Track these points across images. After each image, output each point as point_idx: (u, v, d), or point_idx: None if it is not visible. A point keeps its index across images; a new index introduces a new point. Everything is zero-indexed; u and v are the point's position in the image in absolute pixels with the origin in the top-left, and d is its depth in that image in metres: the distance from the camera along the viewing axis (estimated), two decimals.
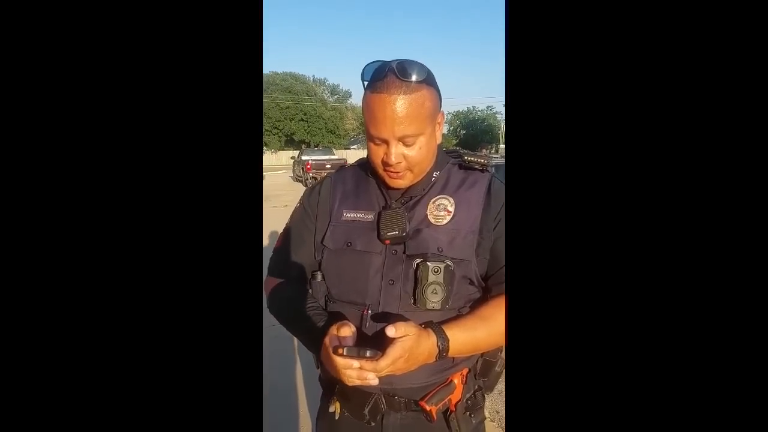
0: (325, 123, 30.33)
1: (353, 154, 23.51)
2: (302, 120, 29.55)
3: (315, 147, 22.65)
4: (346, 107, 33.99)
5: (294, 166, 14.49)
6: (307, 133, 29.75)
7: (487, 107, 36.57)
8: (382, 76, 0.60)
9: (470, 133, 33.65)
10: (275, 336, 2.40)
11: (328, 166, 10.88)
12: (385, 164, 0.65)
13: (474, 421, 0.72)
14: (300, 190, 10.55)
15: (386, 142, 0.63)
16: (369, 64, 0.64)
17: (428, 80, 0.62)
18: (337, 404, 0.74)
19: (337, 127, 31.13)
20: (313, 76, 34.99)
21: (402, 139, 0.62)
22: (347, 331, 0.59)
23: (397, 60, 0.62)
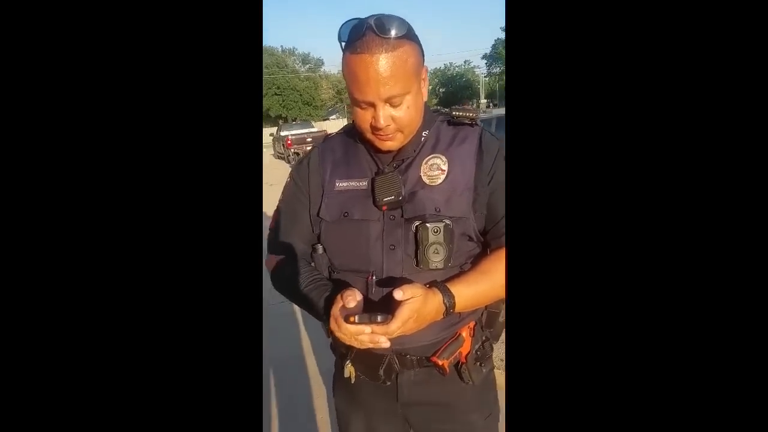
0: (300, 95, 29.42)
1: (333, 125, 23.03)
2: (276, 94, 28.60)
3: (293, 121, 22.10)
4: (320, 76, 32.88)
5: (274, 144, 14.18)
6: (283, 107, 28.89)
7: (465, 62, 35.81)
8: (361, 35, 0.58)
9: (450, 90, 33.06)
10: (281, 314, 2.45)
11: (309, 139, 10.68)
12: (374, 128, 0.63)
13: (484, 370, 0.75)
14: (282, 167, 10.38)
15: (373, 106, 0.61)
16: (345, 23, 0.61)
17: (409, 34, 0.59)
18: (352, 369, 0.76)
19: (313, 98, 30.25)
20: (282, 46, 33.51)
21: (389, 101, 0.60)
22: (353, 299, 0.59)
23: (374, 16, 0.58)
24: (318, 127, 14.71)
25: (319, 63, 34.29)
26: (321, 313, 0.67)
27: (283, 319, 2.43)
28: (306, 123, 15.48)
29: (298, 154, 9.12)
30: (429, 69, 0.68)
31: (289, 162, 10.89)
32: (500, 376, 1.87)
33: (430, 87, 0.73)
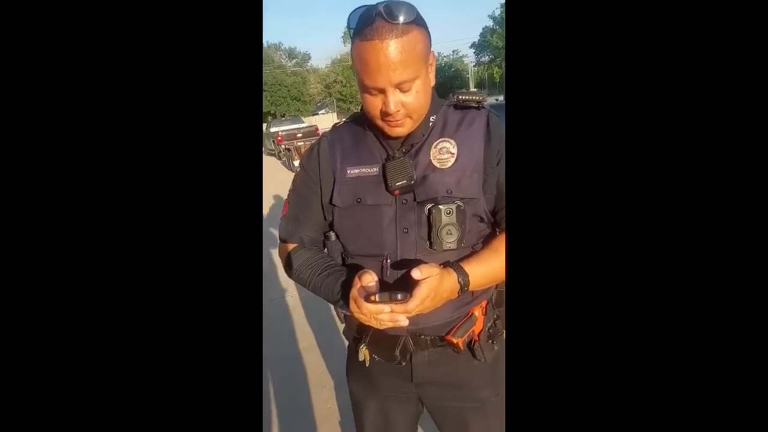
0: (288, 90, 29.10)
1: (323, 120, 22.83)
2: (263, 90, 28.24)
3: (282, 117, 21.89)
4: (307, 71, 32.53)
5: (264, 141, 14.05)
6: (271, 103, 28.57)
7: (453, 51, 35.65)
8: (371, 22, 0.58)
9: (439, 80, 32.79)
10: (274, 313, 2.45)
11: (300, 135, 10.59)
12: (384, 114, 0.64)
13: (496, 348, 0.77)
14: (274, 164, 10.30)
15: (383, 92, 0.62)
16: (354, 10, 0.61)
17: (417, 20, 0.60)
18: (366, 351, 0.78)
19: (301, 93, 29.94)
20: (267, 41, 33.03)
21: (399, 86, 0.61)
22: (370, 279, 0.61)
23: (382, 2, 0.59)
24: (308, 122, 14.59)
25: (306, 57, 33.89)
26: (337, 297, 0.68)
27: (275, 318, 2.44)
28: (296, 118, 15.35)
29: (289, 150, 9.02)
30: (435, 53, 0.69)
31: (280, 158, 10.80)
32: None
33: None
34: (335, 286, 0.68)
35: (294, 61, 33.23)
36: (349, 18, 0.62)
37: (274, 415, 1.70)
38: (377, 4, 0.60)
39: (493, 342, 0.76)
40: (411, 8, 0.60)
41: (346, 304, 0.65)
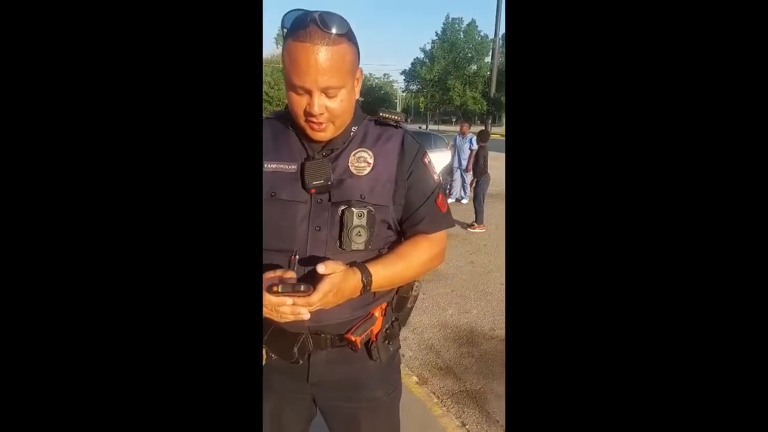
0: None
1: None
2: None
3: None
4: None
5: None
6: None
7: (384, 75, 36.96)
8: (304, 26, 0.61)
9: (368, 100, 33.78)
10: None
11: None
12: (308, 114, 0.66)
13: (391, 349, 0.82)
14: None
15: (309, 93, 0.65)
16: (290, 12, 0.64)
17: (348, 35, 0.65)
18: (264, 350, 0.77)
19: None
20: None
21: (325, 91, 0.65)
22: (275, 275, 0.62)
23: (318, 11, 0.63)
24: None
25: None
26: None
27: None
28: None
29: None
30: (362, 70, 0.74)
31: None
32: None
33: None
34: None
35: None
36: (284, 18, 0.64)
37: None
38: (313, 11, 0.63)
39: (389, 343, 0.81)
40: (343, 22, 0.64)
41: None
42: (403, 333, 2.49)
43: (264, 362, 0.78)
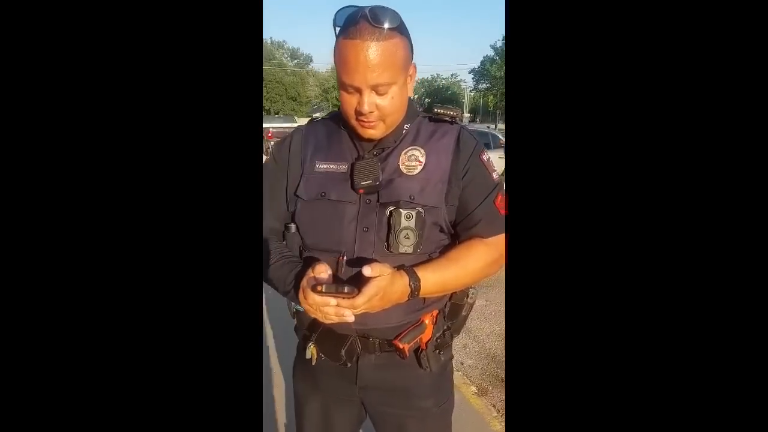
0: (285, 89, 29.10)
1: None
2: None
3: (275, 114, 21.81)
4: (307, 73, 32.64)
5: None
6: (267, 99, 28.46)
7: (452, 75, 36.46)
8: (355, 22, 0.60)
9: (435, 101, 33.59)
10: None
11: None
12: (358, 113, 0.65)
13: (443, 359, 0.78)
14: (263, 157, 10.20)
15: (359, 91, 0.63)
16: (341, 9, 0.63)
17: (401, 29, 0.62)
18: (314, 349, 0.77)
19: (299, 94, 29.98)
20: (271, 38, 33.07)
21: (375, 88, 0.63)
22: (322, 269, 0.61)
23: (369, 6, 0.61)
24: (300, 122, 14.62)
25: (308, 59, 34.06)
26: (288, 288, 0.68)
27: None
28: (289, 117, 15.38)
29: None
30: (417, 79, 0.71)
31: (267, 153, 10.72)
32: (458, 378, 1.93)
33: (416, 96, 0.76)
34: (288, 276, 0.68)
35: (296, 61, 33.31)
36: (335, 15, 0.63)
37: None
38: (364, 6, 0.61)
39: (440, 352, 0.77)
40: (395, 16, 0.61)
41: (297, 296, 0.64)
42: (464, 340, 2.41)
43: (314, 362, 0.78)
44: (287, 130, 11.02)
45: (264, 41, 31.13)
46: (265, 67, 28.27)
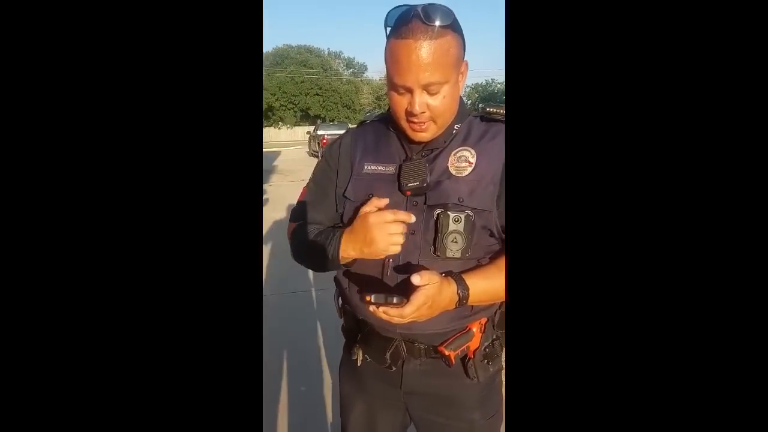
0: (341, 97, 29.98)
1: None
2: (317, 94, 29.26)
3: (330, 122, 22.53)
4: (361, 81, 33.42)
5: (309, 142, 14.50)
6: (323, 107, 29.51)
7: None
8: (407, 21, 0.60)
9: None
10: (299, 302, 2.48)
11: None
12: (409, 114, 0.64)
13: (491, 369, 0.74)
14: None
15: (410, 91, 0.62)
16: (393, 9, 0.63)
17: (453, 26, 0.61)
18: (360, 351, 0.77)
19: (353, 102, 30.74)
20: (328, 49, 34.32)
21: (426, 88, 0.62)
22: (381, 204, 0.64)
23: (421, 4, 0.60)
24: None
25: (363, 68, 34.87)
26: (333, 261, 0.68)
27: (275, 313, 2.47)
28: (343, 124, 15.78)
29: None
30: (471, 84, 0.70)
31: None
32: None
33: (470, 101, 0.74)
34: (331, 235, 0.69)
35: (351, 70, 34.26)
36: (387, 16, 0.63)
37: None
38: (416, 5, 0.61)
39: (488, 363, 0.74)
40: (448, 13, 0.60)
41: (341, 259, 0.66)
42: None
43: (359, 363, 0.78)
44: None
45: (321, 51, 32.30)
46: (323, 76, 29.42)
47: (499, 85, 34.30)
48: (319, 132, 12.97)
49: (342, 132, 0.85)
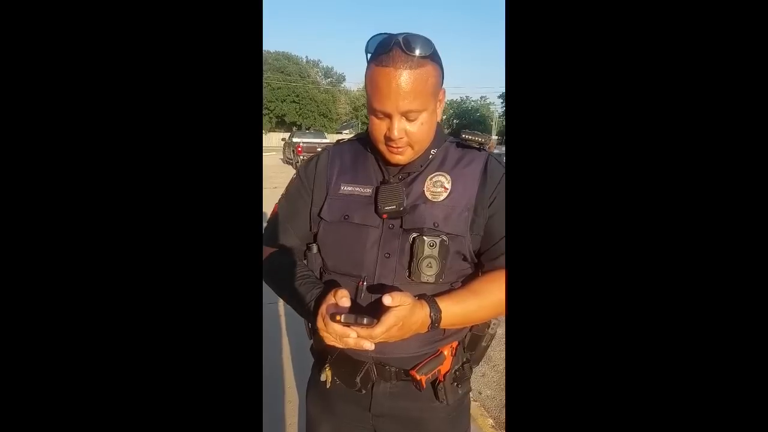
0: (318, 106, 29.92)
1: (345, 138, 23.26)
2: (294, 102, 29.07)
3: (306, 130, 22.40)
4: (339, 91, 33.53)
5: (284, 148, 14.35)
6: (299, 115, 29.33)
7: (481, 98, 36.52)
8: (388, 50, 0.61)
9: (463, 123, 33.65)
10: (264, 314, 2.42)
11: (319, 149, 10.79)
12: (387, 139, 0.65)
13: (460, 392, 0.75)
14: (290, 172, 10.46)
15: (389, 117, 0.63)
16: (374, 36, 0.64)
17: (433, 56, 0.63)
18: (329, 372, 0.76)
19: (330, 111, 30.74)
20: (307, 57, 34.35)
21: (405, 114, 0.63)
22: (344, 296, 0.60)
23: (402, 34, 0.62)
24: (330, 139, 14.95)
25: (341, 78, 35.04)
26: (308, 310, 0.68)
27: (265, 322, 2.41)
28: (319, 133, 15.72)
29: None
30: (447, 101, 0.71)
31: (296, 168, 10.98)
32: (475, 409, 1.85)
33: (445, 117, 0.76)
34: (306, 297, 0.67)
35: (329, 80, 34.33)
36: (368, 43, 0.64)
37: None
38: (397, 34, 0.62)
39: (458, 385, 0.74)
40: (428, 43, 0.62)
41: (314, 319, 0.64)
42: (483, 369, 2.33)
43: (328, 385, 0.77)
44: (316, 145, 11.31)
45: (299, 59, 32.18)
46: (299, 84, 29.29)
47: (472, 103, 35.32)
48: (295, 139, 12.85)
49: (318, 140, 0.84)
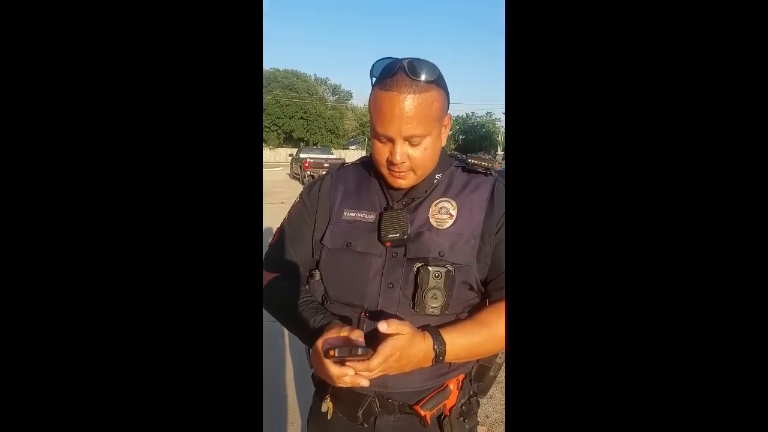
0: (325, 122, 30.32)
1: (351, 154, 23.53)
2: (302, 118, 29.51)
3: (313, 145, 22.66)
4: (346, 107, 34.01)
5: (291, 164, 14.49)
6: (306, 131, 29.72)
7: (486, 113, 36.75)
8: (392, 74, 0.60)
9: (468, 138, 33.82)
10: (268, 332, 2.39)
11: (326, 165, 10.92)
12: (389, 163, 0.64)
13: (467, 426, 0.71)
14: (297, 187, 10.53)
15: (392, 141, 0.62)
16: (379, 60, 0.63)
17: (438, 81, 0.62)
18: (330, 404, 0.73)
19: (337, 127, 31.12)
20: (315, 75, 34.95)
21: (408, 139, 0.61)
22: (359, 337, 0.57)
23: (408, 58, 0.61)
24: (337, 155, 15.08)
25: (348, 95, 35.59)
26: (309, 339, 0.65)
27: (265, 338, 2.38)
28: (326, 149, 15.87)
29: (313, 176, 9.23)
30: (453, 116, 0.70)
31: (303, 183, 11.07)
32: None
33: (451, 132, 0.74)
34: (308, 323, 0.65)
35: (336, 97, 34.88)
36: (373, 67, 0.63)
37: None
38: (402, 58, 0.61)
39: (464, 420, 0.71)
40: (433, 69, 0.61)
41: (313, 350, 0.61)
42: (490, 390, 2.25)
43: (329, 416, 0.74)
44: (323, 161, 11.43)
45: (308, 77, 32.83)
46: (307, 100, 29.78)
47: (478, 119, 35.58)
48: (302, 155, 12.99)
49: (325, 156, 0.83)
